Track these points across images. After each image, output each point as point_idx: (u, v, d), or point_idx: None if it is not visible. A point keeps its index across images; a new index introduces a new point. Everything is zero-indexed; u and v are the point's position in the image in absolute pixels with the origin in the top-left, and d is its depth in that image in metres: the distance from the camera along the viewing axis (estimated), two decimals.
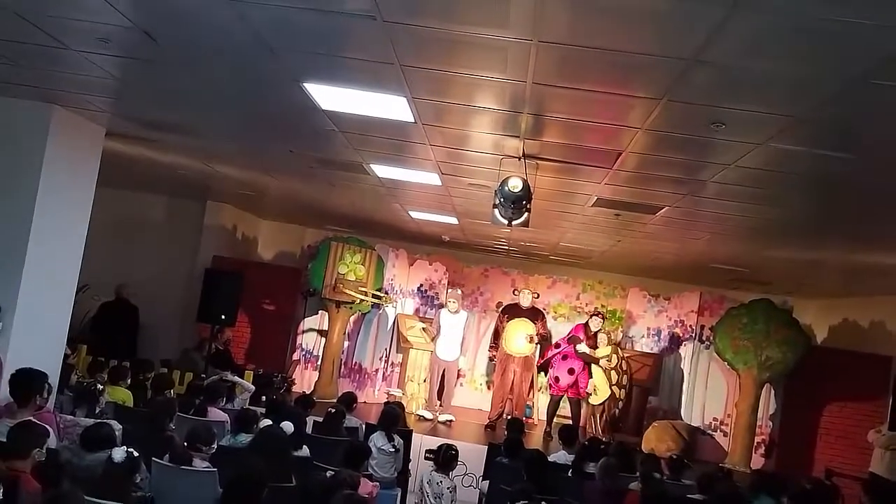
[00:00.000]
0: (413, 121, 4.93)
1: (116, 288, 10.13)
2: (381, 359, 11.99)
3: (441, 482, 5.98)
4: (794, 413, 10.50)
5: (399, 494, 6.81)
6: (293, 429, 5.62)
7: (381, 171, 6.88)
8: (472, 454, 8.01)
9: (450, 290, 11.42)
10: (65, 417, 5.52)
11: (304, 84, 4.46)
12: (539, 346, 10.98)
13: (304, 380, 11.56)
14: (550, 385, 10.75)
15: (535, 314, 11.03)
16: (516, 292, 11.42)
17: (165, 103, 5.71)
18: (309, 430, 6.81)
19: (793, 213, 6.03)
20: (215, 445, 5.13)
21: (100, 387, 6.09)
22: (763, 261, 8.69)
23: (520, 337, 10.69)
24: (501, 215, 5.30)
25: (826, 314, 11.33)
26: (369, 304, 11.35)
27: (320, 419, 7.10)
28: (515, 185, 5.05)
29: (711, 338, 11.01)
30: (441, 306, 11.41)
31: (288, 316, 11.71)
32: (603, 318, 10.92)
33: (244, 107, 5.44)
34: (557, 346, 10.82)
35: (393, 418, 6.81)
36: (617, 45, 3.24)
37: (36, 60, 4.87)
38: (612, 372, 10.30)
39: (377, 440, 6.51)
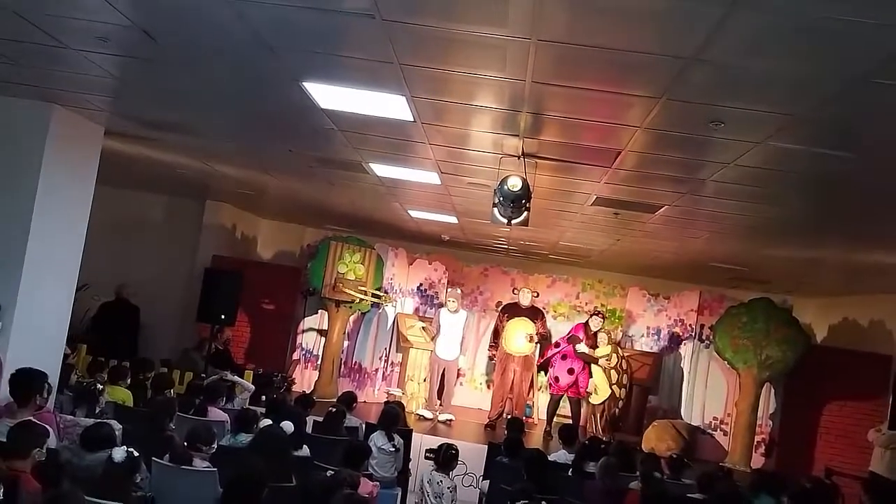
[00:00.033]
0: (412, 120, 4.93)
1: (116, 288, 10.12)
2: (380, 358, 11.98)
3: (441, 482, 5.98)
4: (794, 412, 10.50)
5: (399, 494, 6.81)
6: (293, 428, 5.62)
7: (381, 170, 6.88)
8: (473, 454, 8.01)
9: (449, 290, 11.43)
10: (65, 417, 5.52)
11: (304, 83, 4.46)
12: (539, 345, 10.98)
13: (304, 379, 11.56)
14: (550, 384, 10.76)
15: (534, 313, 11.04)
16: (516, 291, 11.42)
17: (165, 102, 5.70)
18: (309, 429, 6.81)
19: (792, 211, 6.03)
20: (215, 445, 5.13)
21: (100, 386, 6.09)
22: (762, 259, 8.69)
23: (519, 336, 10.69)
24: (501, 214, 5.30)
25: (826, 313, 11.33)
26: (369, 304, 11.35)
27: (320, 419, 7.10)
28: (515, 184, 5.05)
29: (711, 337, 11.01)
30: (441, 306, 11.42)
31: (288, 315, 11.71)
32: (603, 318, 10.93)
33: (243, 106, 5.44)
34: (557, 345, 10.83)
35: (393, 418, 6.81)
36: (616, 43, 3.24)
37: (35, 59, 4.87)
38: (612, 371, 10.31)
39: (377, 440, 6.51)
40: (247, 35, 3.74)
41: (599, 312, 11.12)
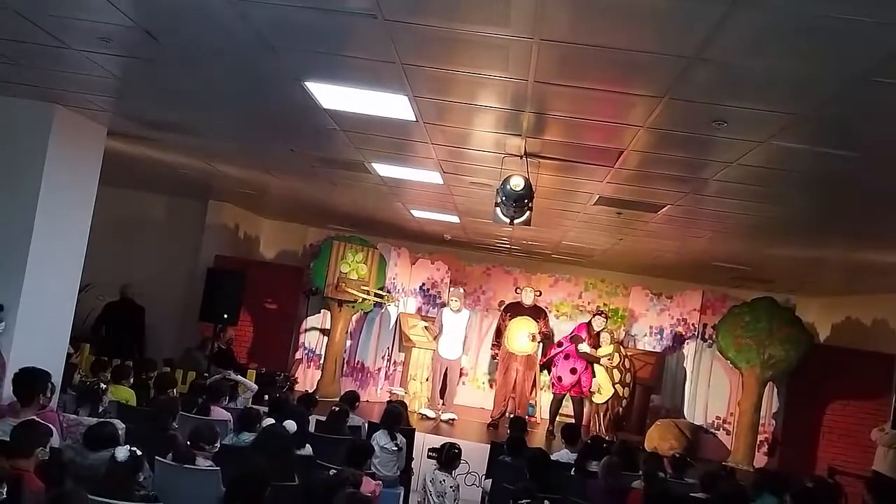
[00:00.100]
0: (414, 119, 4.93)
1: (121, 288, 10.12)
2: (383, 357, 12.00)
3: (444, 481, 5.98)
4: (797, 411, 10.49)
5: (402, 493, 6.81)
6: (296, 427, 5.63)
7: (383, 169, 6.88)
8: (475, 453, 8.01)
9: (452, 289, 11.42)
10: (68, 416, 5.52)
11: (306, 83, 4.46)
12: (541, 344, 10.98)
13: (307, 379, 11.58)
14: (553, 384, 10.76)
15: (537, 312, 11.03)
16: (518, 291, 11.43)
17: (167, 103, 5.71)
18: (312, 428, 6.81)
19: (795, 211, 6.02)
20: (218, 444, 5.13)
21: (103, 386, 6.08)
22: (765, 259, 8.68)
23: (522, 335, 10.69)
24: (503, 214, 5.30)
25: (828, 312, 11.32)
26: (371, 303, 11.36)
27: (323, 418, 7.10)
28: (517, 183, 5.05)
29: (714, 336, 11.01)
30: (443, 305, 11.41)
31: (290, 315, 11.73)
32: (606, 318, 10.91)
33: (245, 106, 5.44)
34: (560, 344, 10.83)
35: (396, 417, 6.82)
36: (618, 43, 3.24)
37: (37, 60, 4.88)
38: (615, 370, 10.30)
39: (380, 439, 6.51)
40: (249, 35, 3.74)
41: (602, 312, 11.11)
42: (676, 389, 11.55)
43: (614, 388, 10.24)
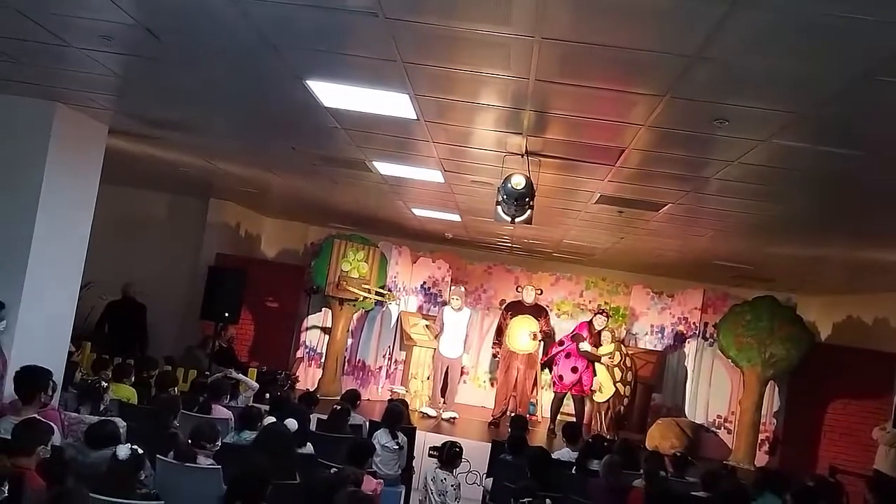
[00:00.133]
0: (416, 118, 4.93)
1: (123, 287, 10.12)
2: (384, 356, 12.01)
3: (445, 479, 5.99)
4: (798, 410, 10.49)
5: (403, 492, 6.82)
6: (297, 426, 5.63)
7: (384, 168, 6.87)
8: (476, 451, 8.01)
9: (453, 288, 11.44)
10: (69, 415, 5.53)
11: (307, 81, 4.46)
12: (542, 343, 10.99)
13: (308, 377, 11.58)
14: (554, 383, 10.76)
15: (538, 311, 11.04)
16: (519, 289, 11.44)
17: (168, 101, 5.71)
18: (313, 427, 6.81)
19: (796, 209, 6.02)
20: (219, 443, 5.14)
21: (104, 384, 6.09)
22: (766, 258, 8.68)
23: (523, 334, 10.69)
24: (504, 212, 5.29)
25: (830, 311, 11.31)
26: (373, 302, 11.37)
27: (324, 416, 7.10)
28: (518, 182, 5.05)
29: (715, 335, 11.00)
30: (444, 304, 11.41)
31: (291, 313, 11.74)
32: (607, 317, 10.90)
33: (246, 104, 5.44)
34: (561, 343, 10.83)
35: (397, 415, 6.82)
36: (619, 41, 3.23)
37: (38, 58, 4.87)
38: (616, 369, 10.30)
39: (381, 437, 6.52)
40: (250, 33, 3.74)
41: (603, 311, 11.11)
42: (677, 388, 11.55)
43: (615, 386, 10.24)
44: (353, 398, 7.72)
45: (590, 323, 10.80)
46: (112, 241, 9.45)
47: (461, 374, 11.43)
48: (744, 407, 10.24)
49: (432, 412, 10.42)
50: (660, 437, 9.83)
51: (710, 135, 4.34)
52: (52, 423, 4.56)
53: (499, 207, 5.32)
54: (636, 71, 3.58)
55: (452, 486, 5.98)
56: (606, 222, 7.98)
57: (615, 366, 10.30)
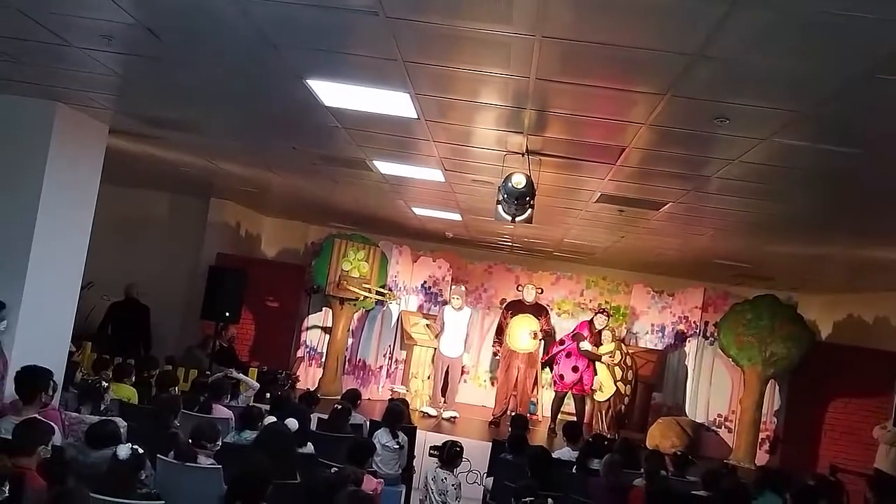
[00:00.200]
0: (416, 117, 4.93)
1: (126, 288, 10.11)
2: (384, 355, 12.01)
3: (445, 479, 5.99)
4: (799, 409, 10.49)
5: (403, 491, 6.82)
6: (297, 426, 5.63)
7: (385, 167, 6.87)
8: (477, 451, 8.01)
9: (454, 287, 11.44)
10: (70, 415, 5.53)
11: (307, 81, 4.46)
12: (543, 342, 10.99)
13: (308, 377, 11.59)
14: (555, 382, 10.76)
15: (538, 310, 11.04)
16: (520, 288, 11.44)
17: (169, 100, 5.71)
18: (313, 426, 6.81)
19: (797, 208, 6.02)
20: (220, 442, 5.14)
21: (104, 384, 6.09)
22: (767, 256, 8.68)
23: (524, 333, 10.70)
24: (505, 212, 5.29)
25: (830, 310, 11.31)
26: (373, 301, 11.37)
27: (324, 416, 7.10)
28: (519, 181, 5.04)
29: (715, 334, 11.00)
30: (445, 303, 11.42)
31: (292, 313, 11.73)
32: (608, 316, 10.90)
33: (247, 104, 5.44)
34: (562, 342, 10.83)
35: (397, 415, 6.82)
36: (620, 40, 3.23)
37: (39, 57, 4.87)
38: (616, 368, 10.30)
39: (381, 437, 6.52)
40: (251, 33, 3.74)
41: (604, 310, 11.11)
42: (678, 387, 11.55)
43: (616, 385, 10.24)
44: (353, 398, 7.72)
45: (590, 322, 10.80)
46: (112, 240, 9.45)
47: (462, 374, 11.44)
48: (744, 406, 10.24)
49: (433, 411, 10.42)
50: (660, 436, 9.83)
51: (710, 133, 4.33)
52: (52, 423, 4.57)
53: (499, 206, 5.32)
54: (637, 69, 3.57)
55: (453, 485, 5.98)
56: (607, 221, 7.98)
57: (616, 365, 10.30)
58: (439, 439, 7.17)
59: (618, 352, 10.39)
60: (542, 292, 11.37)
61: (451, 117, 4.93)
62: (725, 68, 3.36)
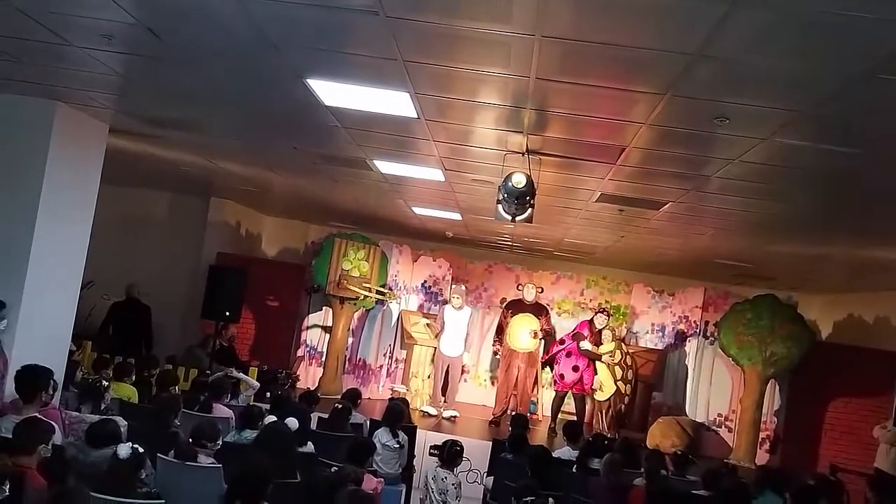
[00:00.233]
0: (416, 117, 4.93)
1: (127, 288, 10.10)
2: (385, 355, 12.01)
3: (446, 478, 5.99)
4: (799, 409, 10.49)
5: (403, 490, 6.82)
6: (298, 425, 5.63)
7: (385, 167, 6.87)
8: (477, 450, 8.01)
9: (454, 286, 11.44)
10: (70, 414, 5.53)
11: (307, 80, 4.46)
12: (543, 341, 10.98)
13: (309, 376, 11.59)
14: (555, 381, 10.75)
15: (539, 310, 11.04)
16: (520, 288, 11.44)
17: (169, 100, 5.71)
18: (314, 426, 6.81)
19: (797, 208, 6.01)
20: (220, 442, 5.14)
21: (105, 383, 6.09)
22: (767, 256, 8.67)
23: (524, 332, 10.69)
24: (505, 211, 5.29)
25: (831, 310, 11.31)
26: (373, 301, 11.37)
27: (325, 415, 7.10)
28: (519, 180, 5.04)
29: (716, 333, 11.00)
30: (445, 302, 11.42)
31: (292, 312, 11.74)
32: (608, 316, 10.88)
33: (247, 103, 5.44)
34: (562, 342, 10.83)
35: (397, 414, 6.82)
36: (620, 40, 3.23)
37: (39, 57, 4.87)
38: (617, 368, 10.30)
39: (382, 436, 6.52)
40: (251, 32, 3.74)
41: (605, 310, 11.09)
42: (678, 387, 11.55)
43: (616, 385, 10.24)
44: (353, 397, 7.72)
45: (590, 321, 10.79)
46: (113, 240, 9.45)
47: (462, 373, 11.44)
48: (744, 405, 10.24)
49: (433, 411, 10.42)
50: (660, 436, 9.83)
51: (710, 133, 4.33)
52: (52, 422, 4.57)
53: (499, 206, 5.32)
54: (637, 69, 3.57)
55: (453, 484, 5.97)
56: (607, 221, 7.98)
57: (616, 364, 10.30)
58: (439, 439, 7.17)
59: (618, 351, 10.39)
60: (542, 292, 11.36)
61: (451, 117, 4.93)
62: (725, 68, 3.36)
